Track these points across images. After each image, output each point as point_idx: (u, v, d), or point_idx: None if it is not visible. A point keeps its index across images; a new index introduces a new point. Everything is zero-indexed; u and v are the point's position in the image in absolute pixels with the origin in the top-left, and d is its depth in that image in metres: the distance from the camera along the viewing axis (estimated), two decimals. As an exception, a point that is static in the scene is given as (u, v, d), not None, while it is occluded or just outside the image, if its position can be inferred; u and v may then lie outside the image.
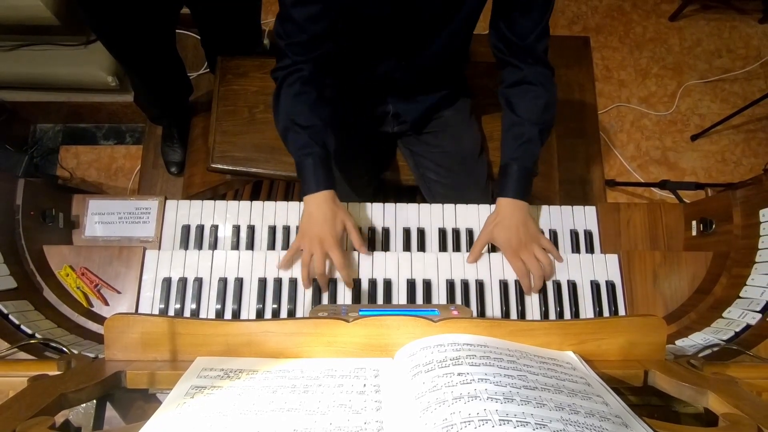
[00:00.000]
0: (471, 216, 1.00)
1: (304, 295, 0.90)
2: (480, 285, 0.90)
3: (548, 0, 0.89)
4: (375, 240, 0.98)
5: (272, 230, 0.98)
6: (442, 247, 0.98)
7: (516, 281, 0.91)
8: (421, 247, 0.98)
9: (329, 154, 0.92)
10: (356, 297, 0.89)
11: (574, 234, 0.99)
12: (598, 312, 0.90)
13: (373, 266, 0.91)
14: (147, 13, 1.19)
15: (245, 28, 1.47)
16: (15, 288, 0.80)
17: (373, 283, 0.90)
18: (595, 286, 0.91)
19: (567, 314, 0.90)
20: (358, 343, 0.56)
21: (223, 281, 0.90)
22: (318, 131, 0.91)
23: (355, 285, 0.90)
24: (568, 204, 1.01)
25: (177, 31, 1.44)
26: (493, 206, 1.00)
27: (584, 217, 1.00)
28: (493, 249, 0.97)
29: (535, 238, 0.92)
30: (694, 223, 0.96)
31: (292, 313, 0.88)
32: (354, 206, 0.99)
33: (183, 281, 0.89)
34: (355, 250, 0.92)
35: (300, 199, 0.93)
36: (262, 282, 0.90)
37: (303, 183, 0.90)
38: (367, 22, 0.90)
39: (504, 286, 0.91)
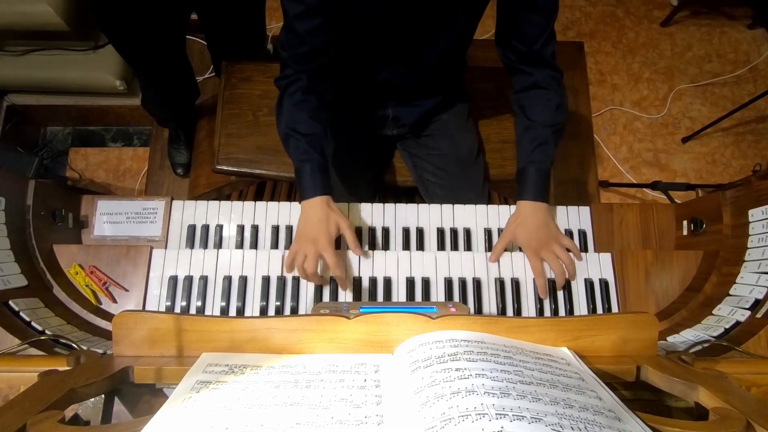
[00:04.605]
0: (468, 216, 1.01)
1: (307, 293, 0.91)
2: (477, 283, 0.92)
3: (553, 5, 0.89)
4: (375, 239, 0.99)
5: (275, 230, 0.99)
6: (441, 247, 0.99)
7: (512, 279, 0.92)
8: (420, 247, 0.99)
9: (327, 161, 0.94)
10: (357, 295, 0.91)
11: (569, 233, 1.00)
12: (592, 309, 0.91)
13: (373, 265, 0.93)
14: (158, 18, 1.19)
15: (250, 32, 1.48)
16: (26, 286, 0.80)
17: (373, 281, 0.92)
18: (588, 284, 0.92)
19: (561, 311, 0.91)
20: (359, 340, 0.57)
21: (228, 279, 0.91)
22: (317, 139, 0.93)
23: (356, 283, 0.91)
24: (562, 204, 1.02)
25: (183, 36, 1.45)
26: (489, 206, 1.02)
27: (578, 217, 1.02)
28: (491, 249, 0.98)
29: (556, 238, 0.94)
30: (685, 222, 0.97)
31: (294, 311, 0.89)
32: (354, 206, 1.00)
33: (189, 279, 0.91)
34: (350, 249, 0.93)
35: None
36: (266, 280, 0.91)
37: (301, 188, 0.91)
38: (370, 29, 0.91)
39: (500, 284, 0.92)
